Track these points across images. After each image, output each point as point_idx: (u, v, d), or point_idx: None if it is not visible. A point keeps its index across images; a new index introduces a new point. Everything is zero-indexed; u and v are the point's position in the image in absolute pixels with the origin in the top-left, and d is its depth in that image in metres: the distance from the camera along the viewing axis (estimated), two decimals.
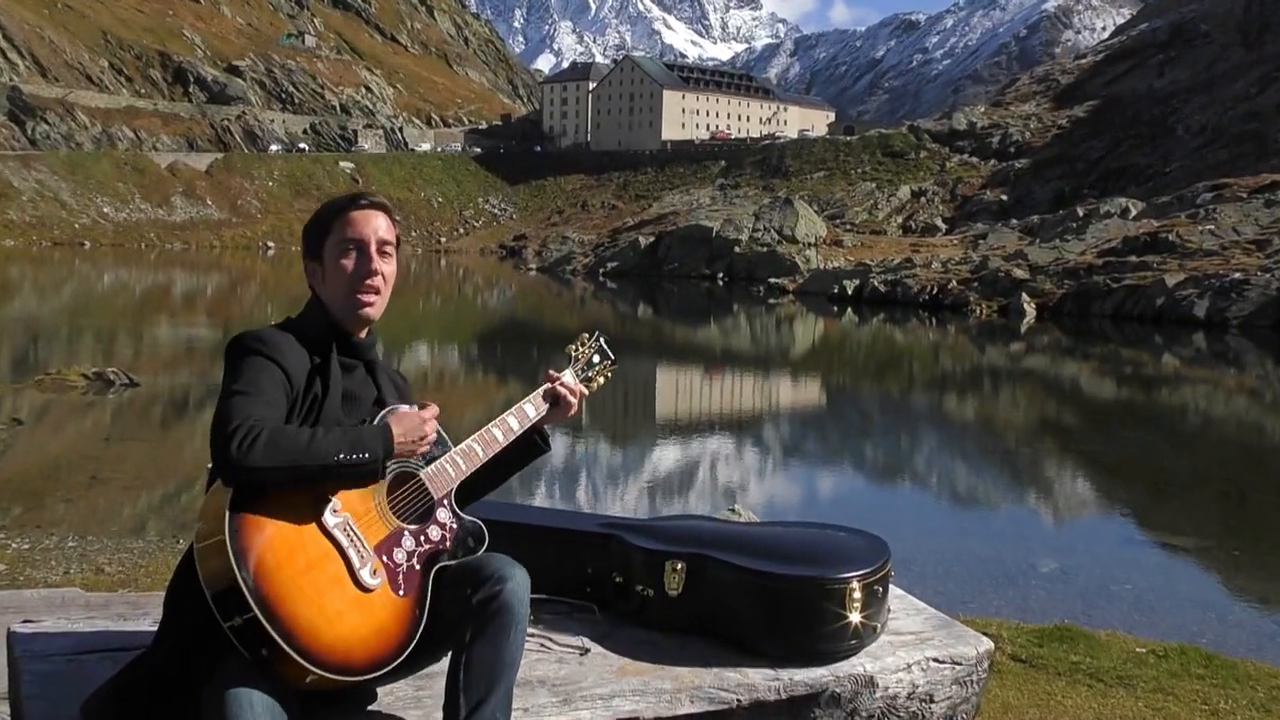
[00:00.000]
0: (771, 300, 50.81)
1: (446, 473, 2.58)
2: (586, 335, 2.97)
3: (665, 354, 29.38)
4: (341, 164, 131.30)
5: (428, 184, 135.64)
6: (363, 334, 2.63)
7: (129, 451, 13.18)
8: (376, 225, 2.61)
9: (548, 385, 2.82)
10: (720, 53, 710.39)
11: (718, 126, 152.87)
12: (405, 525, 2.48)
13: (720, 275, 65.83)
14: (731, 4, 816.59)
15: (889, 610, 3.10)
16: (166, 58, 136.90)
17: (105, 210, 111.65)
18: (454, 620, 2.45)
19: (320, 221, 2.63)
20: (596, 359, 2.95)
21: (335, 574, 2.31)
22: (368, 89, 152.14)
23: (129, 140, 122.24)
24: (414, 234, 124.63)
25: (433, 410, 2.54)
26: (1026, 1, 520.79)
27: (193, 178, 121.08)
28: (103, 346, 25.10)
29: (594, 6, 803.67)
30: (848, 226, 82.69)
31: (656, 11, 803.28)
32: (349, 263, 2.57)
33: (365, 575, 2.35)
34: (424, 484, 2.54)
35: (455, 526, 2.58)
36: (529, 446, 2.80)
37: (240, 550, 2.20)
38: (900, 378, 25.57)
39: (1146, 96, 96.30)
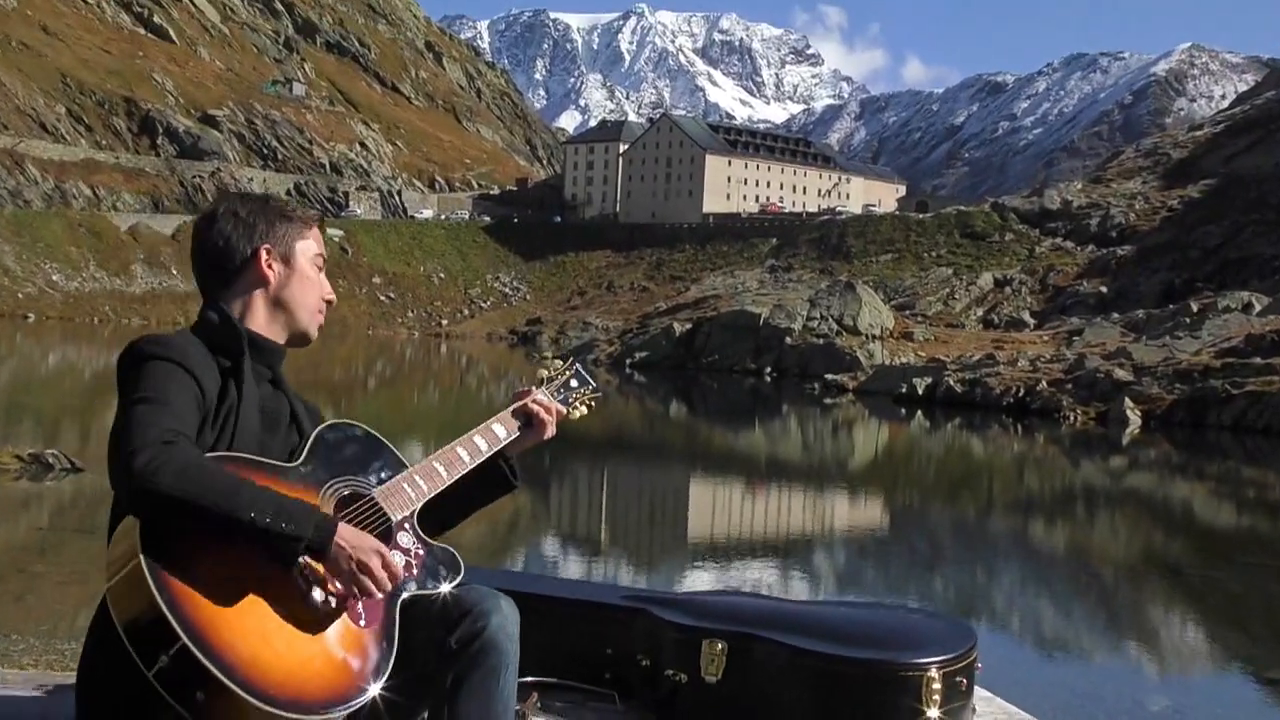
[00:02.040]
0: (828, 400, 50.72)
1: (404, 492, 2.54)
2: (560, 361, 3.01)
3: (700, 463, 29.28)
4: (329, 231, 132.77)
5: (428, 257, 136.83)
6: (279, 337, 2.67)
7: (65, 542, 13.18)
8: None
9: (518, 403, 2.82)
10: (774, 114, 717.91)
11: (768, 198, 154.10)
12: None
13: (768, 370, 65.84)
14: (788, 59, 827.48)
15: (974, 711, 3.02)
16: (133, 104, 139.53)
17: (54, 278, 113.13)
18: (427, 666, 2.39)
19: (291, 221, 2.69)
20: (574, 383, 2.97)
21: (280, 595, 2.24)
22: (362, 145, 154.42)
23: (85, 198, 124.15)
24: (410, 314, 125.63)
25: (395, 569, 2.37)
26: (1132, 64, 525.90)
27: (157, 243, 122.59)
28: (43, 430, 25.23)
29: (628, 58, 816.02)
30: (919, 318, 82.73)
31: (700, 65, 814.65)
32: (319, 281, 2.69)
33: (316, 597, 2.27)
34: (378, 504, 2.49)
35: (422, 553, 2.52)
36: (496, 478, 2.78)
37: (160, 571, 2.13)
38: (978, 497, 25.35)
39: (1273, 175, 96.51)
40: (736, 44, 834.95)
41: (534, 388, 2.87)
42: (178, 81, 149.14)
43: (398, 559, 2.41)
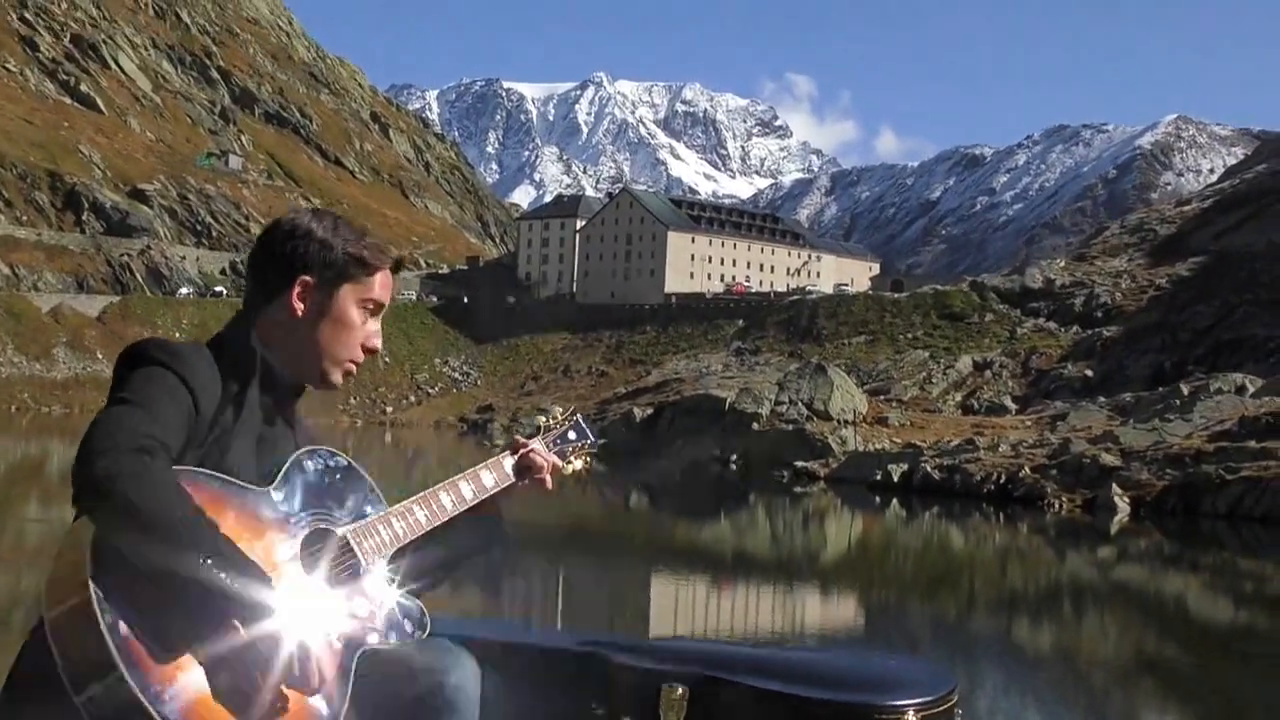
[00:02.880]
0: (798, 489, 50.76)
1: (377, 533, 2.52)
2: (560, 409, 3.02)
3: (663, 558, 29.16)
4: None
5: None
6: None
7: None
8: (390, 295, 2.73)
9: (513, 452, 2.81)
10: (740, 189, 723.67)
11: (734, 277, 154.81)
12: (323, 593, 2.40)
13: (734, 458, 65.81)
14: (754, 130, 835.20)
15: None
16: (57, 179, 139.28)
17: None
18: None
19: (357, 255, 2.62)
20: (573, 435, 2.96)
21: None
22: None
23: (3, 277, 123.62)
24: (353, 401, 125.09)
25: (327, 671, 2.32)
26: (1116, 136, 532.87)
27: (81, 325, 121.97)
28: None
29: (586, 130, 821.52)
30: (894, 403, 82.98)
31: (662, 137, 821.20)
32: (364, 323, 2.63)
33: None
34: (349, 544, 2.47)
35: (388, 602, 2.50)
36: (484, 528, 2.76)
37: (105, 593, 2.10)
38: (959, 593, 25.35)
39: (1266, 253, 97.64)
40: (700, 115, 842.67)
41: (530, 438, 2.86)
42: (105, 154, 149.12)
43: (359, 605, 2.43)
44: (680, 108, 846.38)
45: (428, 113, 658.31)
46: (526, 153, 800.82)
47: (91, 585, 2.09)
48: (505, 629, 3.40)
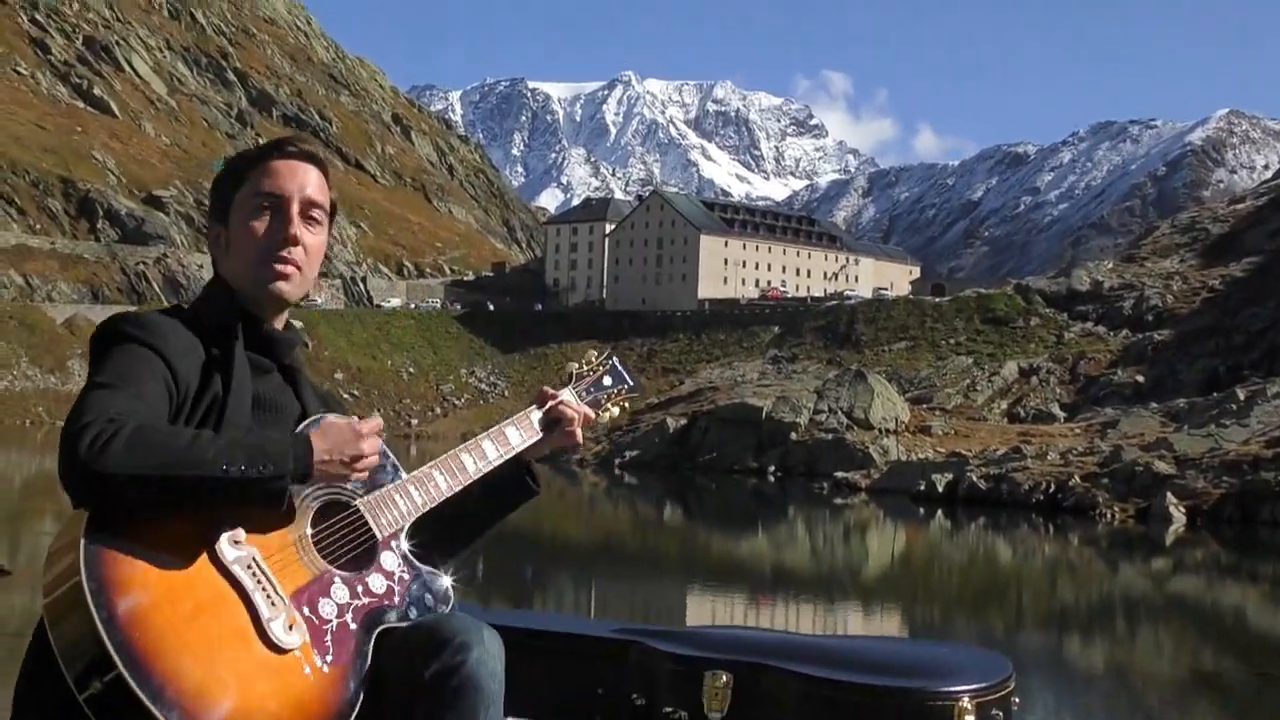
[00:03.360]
0: (838, 500, 50.63)
1: (395, 505, 2.48)
2: (595, 353, 2.95)
3: (698, 573, 29.09)
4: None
5: (396, 350, 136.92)
6: (278, 323, 2.60)
7: None
8: (304, 181, 2.57)
9: (539, 404, 2.76)
10: (774, 190, 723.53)
11: (769, 282, 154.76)
12: (336, 570, 2.37)
13: (772, 469, 65.77)
14: (789, 130, 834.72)
15: None
16: (70, 185, 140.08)
17: None
18: (400, 702, 2.31)
19: (231, 173, 2.60)
20: (608, 380, 2.92)
21: (236, 625, 2.19)
22: None
23: (16, 288, 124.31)
24: (378, 413, 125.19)
25: (374, 424, 2.43)
26: (1165, 132, 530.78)
27: None
28: None
29: (614, 131, 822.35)
30: (937, 411, 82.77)
31: (693, 138, 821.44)
32: (261, 224, 2.54)
33: (278, 630, 2.22)
34: (363, 516, 2.44)
35: (408, 578, 2.45)
36: (513, 485, 2.74)
37: (99, 586, 2.08)
38: (1008, 608, 25.19)
39: None
40: (732, 115, 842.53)
41: (562, 389, 2.81)
42: (120, 159, 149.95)
43: (377, 583, 2.39)
44: (711, 107, 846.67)
45: (451, 114, 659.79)
46: (553, 155, 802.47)
47: (85, 580, 2.08)
48: (539, 619, 3.38)
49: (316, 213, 2.59)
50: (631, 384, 2.97)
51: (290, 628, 2.23)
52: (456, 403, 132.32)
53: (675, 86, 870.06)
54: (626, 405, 2.97)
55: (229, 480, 2.16)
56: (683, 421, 75.60)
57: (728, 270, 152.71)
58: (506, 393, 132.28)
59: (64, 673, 2.08)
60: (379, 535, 2.44)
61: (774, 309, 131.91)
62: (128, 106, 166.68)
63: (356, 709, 2.26)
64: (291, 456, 2.24)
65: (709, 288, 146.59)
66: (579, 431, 2.76)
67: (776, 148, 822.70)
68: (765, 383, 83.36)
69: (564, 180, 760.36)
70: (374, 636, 2.35)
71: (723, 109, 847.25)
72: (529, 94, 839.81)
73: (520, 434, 2.71)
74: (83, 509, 2.16)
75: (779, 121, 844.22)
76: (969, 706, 2.84)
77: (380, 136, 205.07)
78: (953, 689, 2.83)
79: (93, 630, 2.03)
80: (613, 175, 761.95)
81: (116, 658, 2.03)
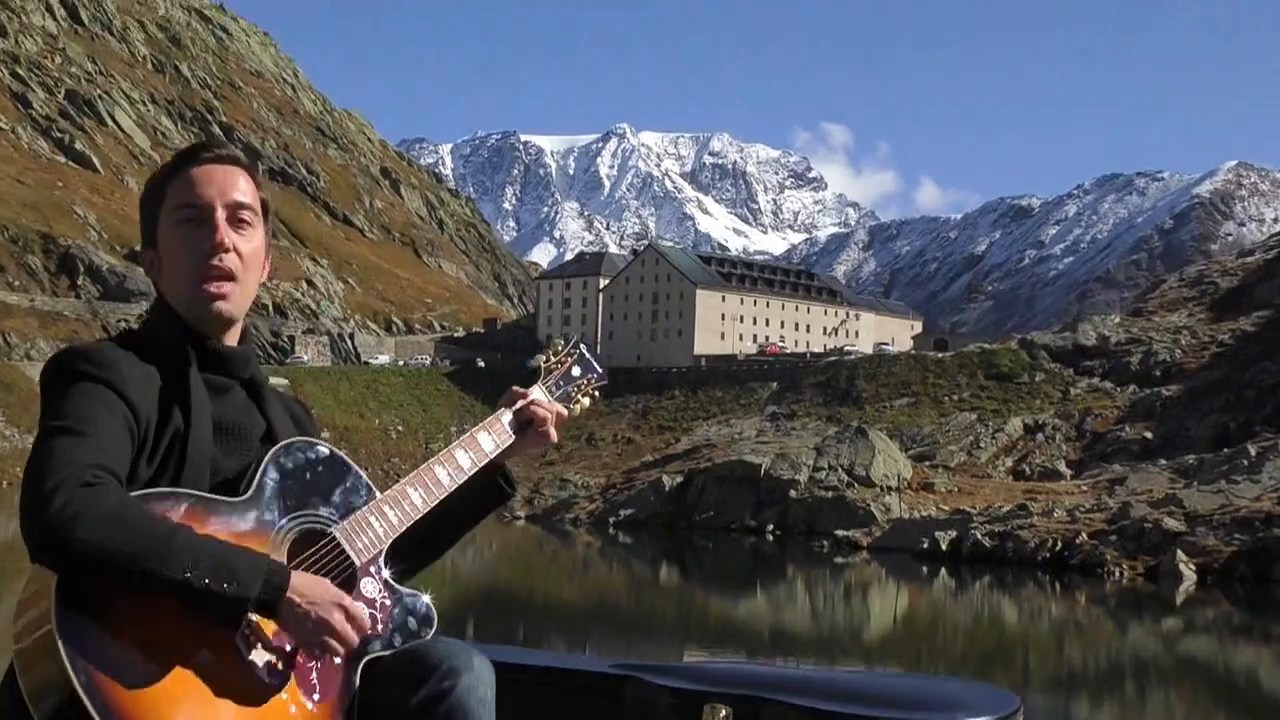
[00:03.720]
0: (839, 559, 50.58)
1: (372, 529, 2.44)
2: (561, 342, 2.96)
3: (694, 635, 29.06)
4: (272, 380, 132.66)
5: (385, 408, 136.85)
6: (229, 339, 2.53)
7: None
8: (226, 184, 2.49)
9: (509, 407, 2.74)
10: (772, 244, 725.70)
11: (767, 338, 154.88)
12: None
13: (770, 527, 65.75)
14: (787, 183, 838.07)
15: None
16: (50, 241, 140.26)
17: None
18: None
19: (151, 193, 2.53)
20: (577, 371, 2.93)
21: (217, 668, 2.15)
22: (309, 283, 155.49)
23: None
24: (366, 472, 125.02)
25: (361, 612, 2.30)
26: (1172, 184, 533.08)
27: None
28: None
29: (608, 184, 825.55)
30: (940, 468, 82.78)
31: (689, 191, 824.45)
32: (188, 238, 2.46)
33: (262, 671, 2.19)
34: (339, 544, 2.40)
35: (390, 603, 2.43)
36: (487, 490, 2.72)
37: (75, 640, 2.03)
38: (1012, 670, 25.10)
39: None
40: (730, 167, 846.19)
41: (532, 387, 2.81)
42: (101, 215, 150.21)
43: (361, 612, 2.32)
44: (708, 159, 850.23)
45: (441, 168, 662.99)
46: (546, 208, 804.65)
47: (55, 627, 2.04)
48: (529, 654, 3.35)
49: (246, 214, 2.50)
50: (600, 372, 2.99)
51: (274, 669, 2.21)
52: None
53: (671, 138, 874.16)
54: (596, 395, 2.98)
55: (190, 588, 2.09)
56: (679, 479, 75.62)
57: (725, 325, 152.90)
58: None
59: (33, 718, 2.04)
60: (357, 562, 2.41)
61: (772, 365, 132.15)
62: (110, 161, 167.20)
63: None
64: (260, 581, 2.17)
65: (706, 343, 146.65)
66: (553, 431, 2.75)
67: (775, 201, 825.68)
68: (764, 440, 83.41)
69: (557, 234, 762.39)
70: (359, 668, 2.32)
71: (720, 161, 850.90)
72: (521, 147, 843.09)
73: (493, 439, 2.69)
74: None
75: (777, 174, 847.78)
76: None
77: (369, 190, 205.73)
78: None
79: (62, 676, 1.99)
80: (607, 229, 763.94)
81: (90, 704, 1.99)
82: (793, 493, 67.19)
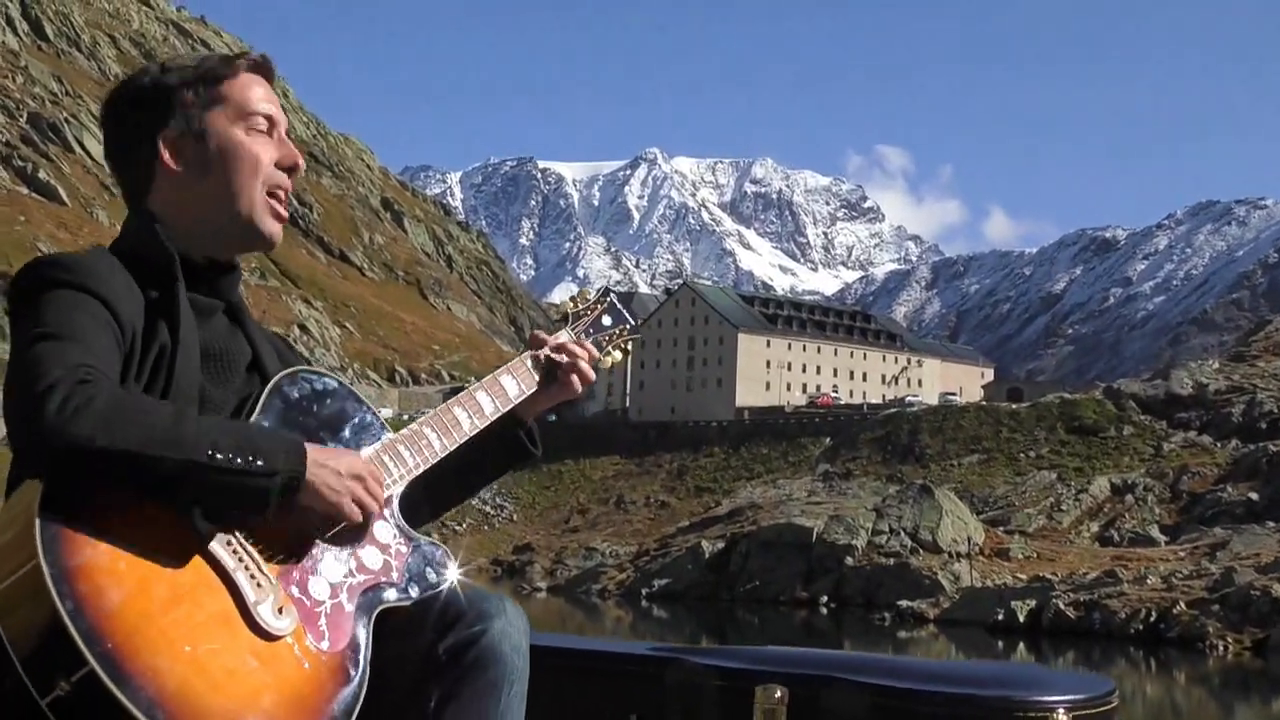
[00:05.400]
0: (902, 634, 50.50)
1: (385, 469, 2.45)
2: (590, 291, 2.99)
3: None
4: None
5: None
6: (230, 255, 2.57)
7: None
8: (275, 101, 2.57)
9: (534, 350, 2.77)
10: (823, 283, 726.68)
11: (819, 387, 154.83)
12: (325, 544, 2.33)
13: (824, 599, 65.57)
14: (839, 214, 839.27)
15: None
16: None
17: None
18: (408, 685, 2.32)
19: (201, 77, 2.52)
20: (608, 320, 2.95)
21: (218, 610, 2.15)
22: (302, 328, 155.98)
23: None
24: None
25: (377, 476, 2.35)
26: (1277, 213, 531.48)
27: None
28: None
29: (637, 216, 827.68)
30: (1016, 533, 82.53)
31: (729, 224, 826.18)
32: (262, 149, 2.50)
33: (266, 614, 2.18)
34: None
35: (405, 550, 2.43)
36: (509, 443, 2.75)
37: (60, 572, 2.00)
38: None
39: None
40: (774, 197, 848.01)
41: (559, 333, 2.83)
42: (68, 251, 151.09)
43: (371, 557, 2.37)
44: (750, 188, 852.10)
45: (449, 198, 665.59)
46: (567, 244, 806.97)
47: (43, 564, 2.00)
48: (567, 640, 3.38)
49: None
50: (633, 323, 2.98)
51: (280, 611, 2.20)
52: (458, 528, 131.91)
53: (708, 165, 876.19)
54: (629, 348, 2.97)
55: (213, 468, 2.11)
56: (720, 545, 75.42)
57: (770, 374, 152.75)
58: (515, 516, 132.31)
59: (20, 674, 2.00)
60: None
61: (824, 418, 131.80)
62: (78, 192, 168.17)
63: (361, 700, 2.23)
64: (284, 455, 2.19)
65: (749, 394, 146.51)
66: (584, 374, 2.77)
67: (825, 234, 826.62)
68: (815, 501, 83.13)
69: (580, 273, 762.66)
70: (373, 617, 2.33)
71: (763, 190, 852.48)
72: (539, 175, 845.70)
73: (518, 383, 2.73)
74: (32, 481, 2.10)
75: (828, 204, 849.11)
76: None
77: (368, 224, 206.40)
78: (1047, 699, 2.82)
79: (56, 622, 1.96)
80: (636, 267, 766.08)
81: (87, 652, 1.96)
82: (849, 560, 67.00)
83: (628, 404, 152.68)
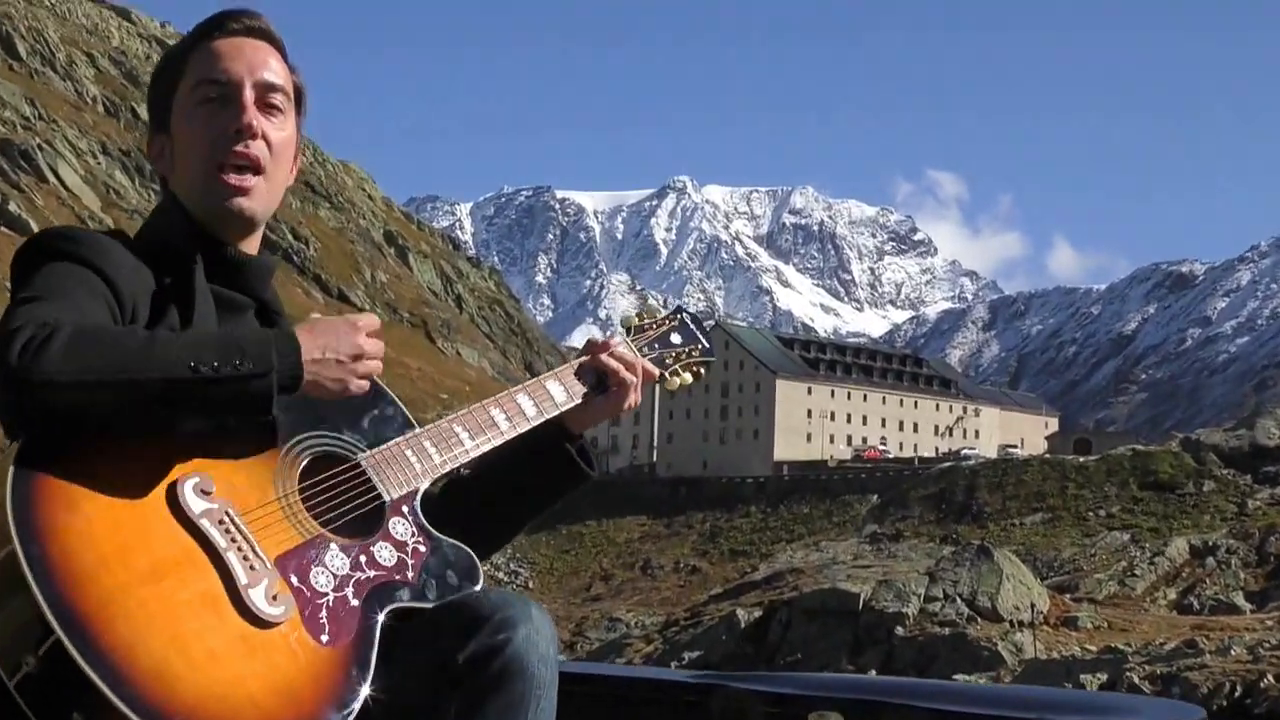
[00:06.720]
0: None
1: (406, 462, 2.48)
2: (662, 310, 2.98)
3: None
4: None
5: None
6: (246, 244, 2.61)
7: None
8: (256, 61, 2.58)
9: (586, 356, 2.78)
10: (870, 324, 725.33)
11: (865, 439, 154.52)
12: (331, 535, 2.36)
13: (873, 672, 65.34)
14: (887, 247, 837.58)
15: None
16: None
17: None
18: (425, 695, 2.31)
19: (168, 65, 2.63)
20: (677, 339, 2.94)
21: (205, 590, 2.16)
22: None
23: None
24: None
25: (371, 319, 2.44)
26: None
27: None
28: None
29: (665, 251, 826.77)
30: (1084, 600, 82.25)
31: (766, 259, 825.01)
32: (208, 119, 2.54)
33: (258, 598, 2.19)
34: (366, 474, 2.44)
35: (424, 550, 2.44)
36: (560, 462, 2.74)
37: (33, 534, 2.04)
38: None
39: None
40: (815, 229, 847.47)
41: (615, 339, 2.81)
42: None
43: (384, 553, 2.38)
44: (788, 219, 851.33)
45: (459, 231, 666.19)
46: (588, 281, 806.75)
47: (12, 524, 2.02)
48: (606, 668, 3.51)
49: (277, 99, 2.58)
50: (707, 345, 2.96)
51: (274, 598, 2.21)
52: None
53: (742, 194, 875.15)
54: (701, 372, 2.95)
55: (200, 381, 2.13)
56: (757, 614, 75.12)
57: (811, 424, 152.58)
58: (531, 583, 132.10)
59: None
60: (387, 497, 2.44)
61: (871, 473, 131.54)
62: (52, 224, 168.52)
63: (360, 699, 2.24)
64: (275, 351, 2.22)
65: (788, 447, 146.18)
66: (636, 388, 2.77)
67: (871, 270, 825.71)
68: (863, 564, 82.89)
69: (602, 313, 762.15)
70: (382, 617, 2.33)
71: (803, 221, 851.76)
72: (557, 205, 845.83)
73: (564, 389, 2.73)
74: (10, 436, 2.14)
75: (875, 236, 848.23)
76: None
77: (370, 260, 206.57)
78: None
79: (23, 588, 1.97)
80: (664, 306, 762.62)
81: (58, 624, 1.96)
82: (900, 629, 66.81)
83: (655, 458, 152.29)
